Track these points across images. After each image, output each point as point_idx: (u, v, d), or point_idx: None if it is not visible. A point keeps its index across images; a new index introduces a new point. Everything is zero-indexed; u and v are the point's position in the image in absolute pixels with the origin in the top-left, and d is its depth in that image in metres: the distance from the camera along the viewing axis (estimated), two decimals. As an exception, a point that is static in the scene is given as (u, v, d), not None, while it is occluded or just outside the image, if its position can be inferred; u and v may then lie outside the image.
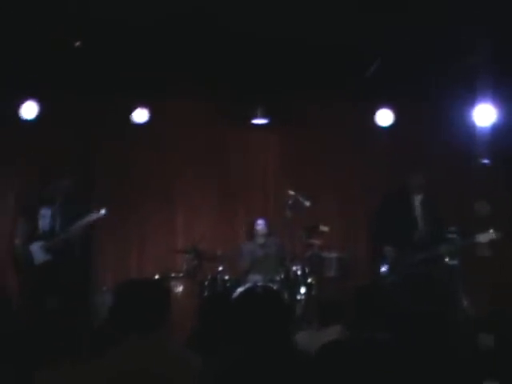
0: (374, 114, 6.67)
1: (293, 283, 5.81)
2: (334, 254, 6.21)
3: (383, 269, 5.50)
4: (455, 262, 5.55)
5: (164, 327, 2.30)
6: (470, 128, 6.33)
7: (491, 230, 5.16)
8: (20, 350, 2.76)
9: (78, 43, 5.52)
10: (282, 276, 5.84)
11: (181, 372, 2.15)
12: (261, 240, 6.39)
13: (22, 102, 6.11)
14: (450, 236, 5.27)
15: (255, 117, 6.90)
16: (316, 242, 6.06)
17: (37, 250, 5.32)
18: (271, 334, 2.25)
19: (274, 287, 5.57)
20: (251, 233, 6.44)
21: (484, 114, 6.21)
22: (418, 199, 5.61)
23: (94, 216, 5.41)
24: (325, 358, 2.06)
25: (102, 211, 5.41)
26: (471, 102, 6.20)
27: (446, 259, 5.57)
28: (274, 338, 2.25)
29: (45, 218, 5.37)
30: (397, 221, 5.43)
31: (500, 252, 5.76)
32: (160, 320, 2.30)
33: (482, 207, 6.25)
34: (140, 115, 6.52)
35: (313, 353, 2.40)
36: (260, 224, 6.39)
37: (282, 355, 2.22)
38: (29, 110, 6.15)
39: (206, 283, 5.83)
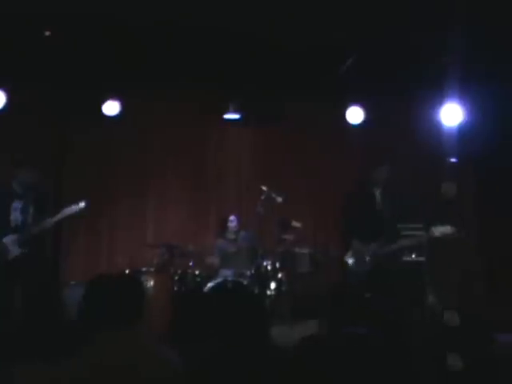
0: (346, 112, 6.73)
1: (263, 278, 5.85)
2: (306, 250, 6.27)
3: (350, 262, 5.49)
4: (422, 259, 5.63)
5: (140, 323, 2.28)
6: (438, 127, 6.44)
7: (448, 225, 5.04)
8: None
9: (47, 33, 5.41)
10: (253, 271, 5.88)
11: (158, 368, 2.14)
12: (232, 236, 6.42)
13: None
14: (409, 232, 5.29)
15: (228, 112, 6.91)
16: (288, 237, 6.10)
17: (10, 243, 5.20)
18: (245, 328, 2.25)
19: (244, 282, 5.61)
20: (223, 229, 6.45)
21: (451, 114, 6.32)
22: (378, 193, 5.51)
23: (73, 208, 5.27)
24: (304, 352, 2.08)
25: (82, 204, 5.29)
26: (439, 102, 6.30)
27: (413, 255, 5.63)
28: (249, 333, 2.25)
29: (16, 211, 5.25)
30: (361, 214, 5.37)
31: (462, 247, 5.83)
32: (136, 316, 2.28)
33: (449, 189, 6.29)
34: (111, 108, 6.43)
35: (288, 348, 2.41)
36: (232, 221, 6.42)
37: (257, 350, 2.23)
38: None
39: (177, 278, 5.82)
